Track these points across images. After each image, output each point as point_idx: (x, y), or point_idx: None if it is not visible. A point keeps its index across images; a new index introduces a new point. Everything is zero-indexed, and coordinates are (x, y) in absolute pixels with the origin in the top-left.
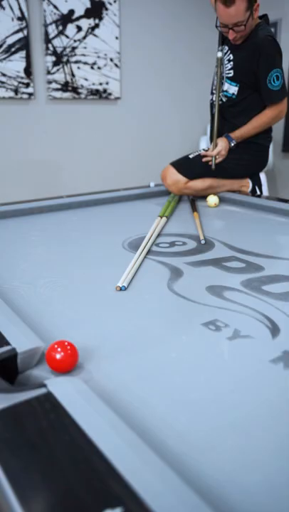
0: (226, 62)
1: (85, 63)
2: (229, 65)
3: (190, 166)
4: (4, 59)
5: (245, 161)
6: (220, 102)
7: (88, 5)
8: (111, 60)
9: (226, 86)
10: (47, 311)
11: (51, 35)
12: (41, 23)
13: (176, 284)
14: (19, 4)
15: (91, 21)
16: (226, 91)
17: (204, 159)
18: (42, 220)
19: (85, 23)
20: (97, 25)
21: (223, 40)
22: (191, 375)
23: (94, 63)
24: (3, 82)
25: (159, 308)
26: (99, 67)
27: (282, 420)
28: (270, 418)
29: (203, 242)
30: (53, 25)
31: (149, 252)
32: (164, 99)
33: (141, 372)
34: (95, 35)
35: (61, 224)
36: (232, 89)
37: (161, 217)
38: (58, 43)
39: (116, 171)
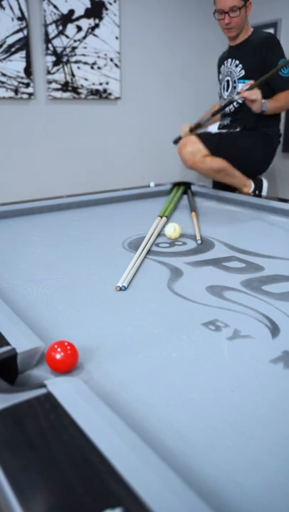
0: (234, 67)
1: (85, 63)
2: (238, 68)
3: (213, 141)
4: (4, 59)
5: (257, 149)
6: (236, 105)
7: (88, 5)
8: (111, 60)
9: (240, 87)
10: (47, 311)
11: (51, 35)
12: (41, 23)
13: (176, 284)
14: (19, 4)
15: (91, 21)
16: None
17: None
18: (42, 220)
19: (85, 23)
20: (97, 25)
21: (224, 58)
22: (191, 375)
23: (94, 63)
24: (3, 82)
25: (159, 308)
26: (99, 67)
27: (282, 420)
28: (270, 418)
29: (199, 242)
30: (53, 25)
31: (149, 252)
32: (164, 99)
33: (141, 372)
34: (95, 35)
35: (61, 224)
36: (245, 87)
37: (161, 217)
38: (58, 43)
39: (116, 171)
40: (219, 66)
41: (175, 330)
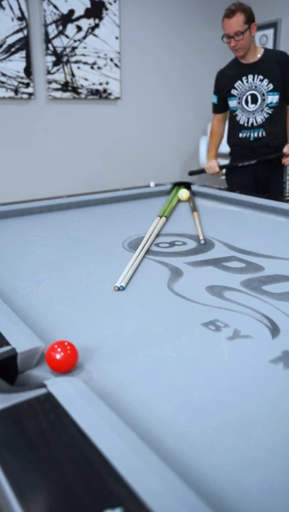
0: (259, 82)
1: (85, 63)
2: (265, 82)
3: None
4: (4, 59)
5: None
6: (266, 116)
7: (88, 5)
8: (111, 60)
9: (270, 99)
10: (47, 311)
11: (51, 35)
12: (41, 23)
13: (176, 284)
14: (19, 4)
15: (91, 21)
16: (271, 102)
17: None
18: (42, 220)
19: (85, 23)
20: (97, 25)
21: (240, 75)
22: (191, 375)
23: (94, 63)
24: (3, 82)
25: (159, 308)
26: (99, 67)
27: (282, 420)
28: (270, 418)
29: (202, 242)
30: (53, 25)
31: (148, 252)
32: (163, 99)
33: (141, 372)
34: (95, 35)
35: (61, 224)
36: (275, 98)
37: (161, 217)
38: (58, 43)
39: (116, 171)
40: (230, 83)
41: (175, 330)
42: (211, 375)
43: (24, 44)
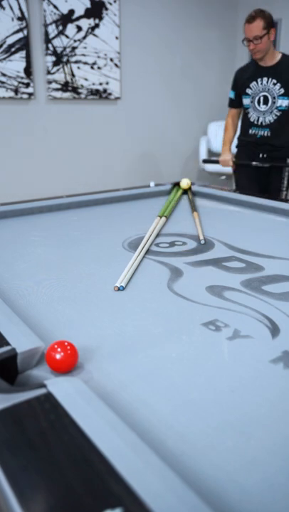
0: (272, 85)
1: (85, 63)
2: (277, 86)
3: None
4: (4, 59)
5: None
6: (275, 117)
7: (88, 5)
8: (111, 60)
9: (279, 102)
10: (47, 311)
11: (51, 35)
12: (41, 23)
13: (176, 284)
14: (19, 4)
15: (91, 21)
16: (280, 106)
17: None
18: (42, 220)
19: (85, 23)
20: (97, 25)
21: (256, 76)
22: (191, 375)
23: (94, 63)
24: (3, 82)
25: (159, 308)
26: (99, 67)
27: (282, 420)
28: (270, 418)
29: (202, 242)
30: (53, 25)
31: (148, 252)
32: (163, 99)
33: (141, 372)
34: (95, 35)
35: (61, 224)
36: (285, 102)
37: (161, 217)
38: (58, 43)
39: (116, 171)
40: (246, 81)
41: (175, 330)
42: (211, 375)
43: (24, 44)
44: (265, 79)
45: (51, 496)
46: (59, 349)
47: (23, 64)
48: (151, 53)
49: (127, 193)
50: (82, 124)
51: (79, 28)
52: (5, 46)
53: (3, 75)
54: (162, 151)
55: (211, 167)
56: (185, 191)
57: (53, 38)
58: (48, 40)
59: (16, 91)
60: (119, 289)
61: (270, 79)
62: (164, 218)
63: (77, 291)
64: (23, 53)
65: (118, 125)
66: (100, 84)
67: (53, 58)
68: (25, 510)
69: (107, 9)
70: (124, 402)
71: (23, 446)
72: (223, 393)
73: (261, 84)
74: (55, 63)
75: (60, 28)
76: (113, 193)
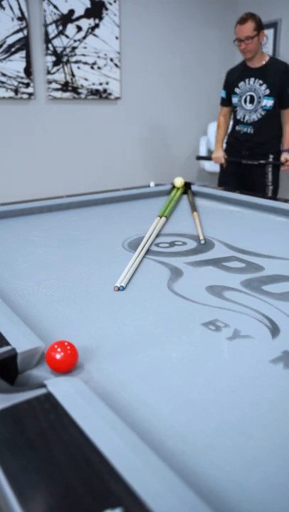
0: (258, 86)
1: (85, 63)
2: (263, 87)
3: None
4: (4, 59)
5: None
6: (259, 116)
7: (88, 5)
8: (111, 60)
9: (264, 102)
10: (47, 311)
11: (51, 35)
12: (41, 23)
13: (176, 284)
14: (19, 4)
15: (91, 21)
16: (265, 105)
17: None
18: (42, 220)
19: (85, 23)
20: (97, 25)
21: (244, 76)
22: (191, 375)
23: (94, 63)
24: (3, 82)
25: (159, 308)
26: (99, 67)
27: (282, 420)
28: (270, 418)
29: (202, 242)
30: (53, 25)
31: (148, 252)
32: (163, 99)
33: (141, 372)
34: (95, 35)
35: (61, 224)
36: (269, 102)
37: (161, 217)
38: (58, 43)
39: (116, 171)
40: (235, 81)
41: (175, 330)
42: (211, 375)
43: (24, 44)
44: (252, 79)
45: (51, 496)
46: (59, 349)
47: (23, 64)
48: (151, 53)
49: (127, 193)
50: (82, 124)
51: (79, 28)
52: (5, 46)
53: (3, 75)
54: (162, 151)
55: (210, 167)
56: (185, 191)
57: (53, 38)
58: (48, 40)
59: (16, 91)
60: (119, 289)
61: (256, 79)
62: (164, 218)
63: (77, 291)
64: (23, 53)
65: (118, 125)
66: (100, 84)
67: (53, 58)
68: (25, 510)
69: (107, 9)
70: (124, 402)
71: (23, 446)
72: (223, 393)
73: (248, 84)
74: (55, 63)
75: (60, 28)
76: (113, 193)
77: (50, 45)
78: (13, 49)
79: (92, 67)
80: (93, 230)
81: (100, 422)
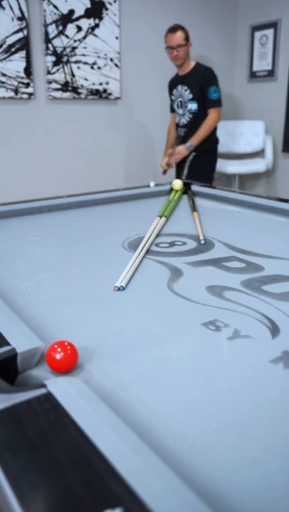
0: (184, 91)
1: (85, 63)
2: (187, 92)
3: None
4: (4, 59)
5: (210, 169)
6: (188, 119)
7: (88, 5)
8: (111, 60)
9: (190, 106)
10: (47, 311)
11: (51, 35)
12: (41, 23)
13: (176, 284)
14: (19, 4)
15: (91, 21)
16: (190, 109)
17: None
18: (42, 220)
19: (85, 23)
20: (97, 25)
21: (176, 84)
22: (191, 375)
23: (94, 63)
24: (3, 82)
25: (159, 308)
26: (99, 67)
27: (282, 420)
28: (270, 418)
29: (202, 242)
30: (53, 25)
31: (148, 252)
32: (163, 99)
33: (141, 372)
34: (95, 35)
35: (61, 224)
36: (194, 106)
37: (161, 217)
38: (58, 43)
39: (116, 171)
40: (171, 89)
41: (175, 330)
42: (211, 375)
43: (24, 44)
44: (180, 86)
45: (51, 496)
46: (59, 349)
47: (23, 64)
48: (151, 53)
49: (127, 193)
50: (82, 124)
51: (79, 28)
52: (5, 46)
53: (3, 75)
54: (162, 151)
55: None
56: (185, 191)
57: (53, 38)
58: (48, 40)
59: (16, 91)
60: (119, 289)
61: (183, 86)
62: (164, 218)
63: (77, 291)
64: (23, 53)
65: (118, 125)
66: (100, 84)
67: (53, 58)
68: (25, 510)
69: (107, 9)
70: (124, 402)
71: (23, 446)
72: (223, 393)
73: (178, 90)
74: (55, 63)
75: (60, 28)
76: (113, 193)
77: (50, 45)
78: (13, 49)
79: (92, 67)
80: (93, 230)
81: (100, 422)
